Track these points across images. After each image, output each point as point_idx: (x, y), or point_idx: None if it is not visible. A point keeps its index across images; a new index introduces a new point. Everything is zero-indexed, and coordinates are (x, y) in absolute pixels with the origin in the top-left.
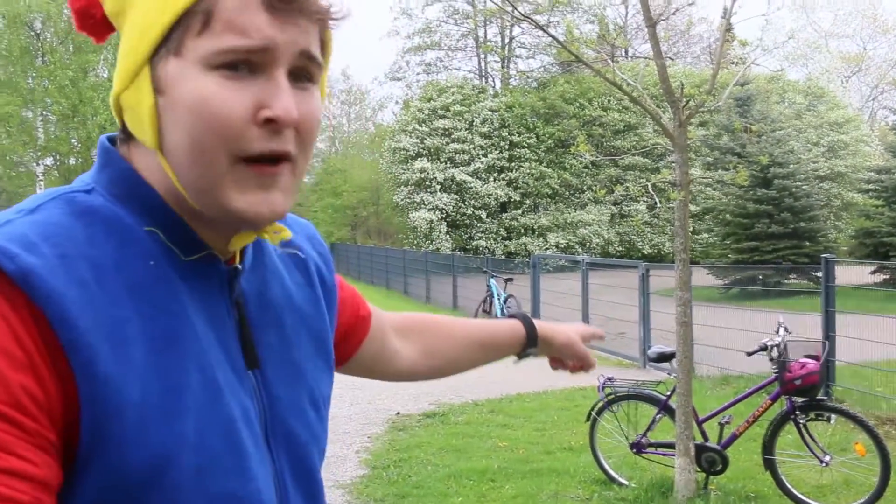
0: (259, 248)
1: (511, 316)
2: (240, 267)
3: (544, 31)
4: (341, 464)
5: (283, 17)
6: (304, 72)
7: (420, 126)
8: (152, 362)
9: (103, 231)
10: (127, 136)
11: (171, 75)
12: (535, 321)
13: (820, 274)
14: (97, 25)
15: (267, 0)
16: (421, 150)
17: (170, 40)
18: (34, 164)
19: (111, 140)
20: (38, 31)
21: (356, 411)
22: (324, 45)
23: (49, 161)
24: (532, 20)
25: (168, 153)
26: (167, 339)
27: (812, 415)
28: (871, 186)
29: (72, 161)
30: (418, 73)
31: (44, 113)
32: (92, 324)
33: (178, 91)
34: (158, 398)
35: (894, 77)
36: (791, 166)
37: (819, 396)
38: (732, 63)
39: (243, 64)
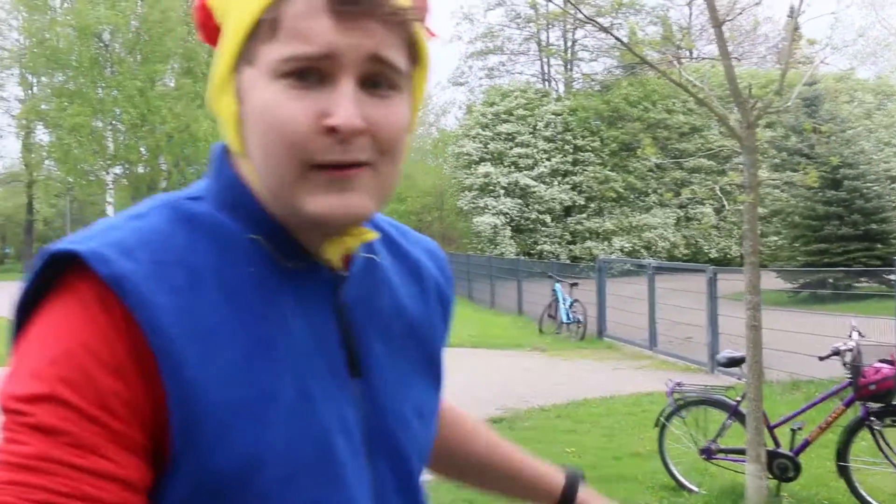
0: (371, 258)
1: (563, 467)
2: (345, 275)
3: (608, 33)
4: None
5: (347, 21)
6: (382, 78)
7: (483, 130)
8: (243, 369)
9: (205, 238)
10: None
11: (247, 84)
12: (581, 486)
13: (893, 276)
14: (215, 36)
15: (330, 4)
16: (484, 155)
17: (247, 49)
18: (104, 173)
19: (225, 149)
20: (107, 43)
21: None
22: (414, 47)
23: (118, 170)
24: (596, 22)
25: (251, 158)
26: (260, 346)
27: (888, 420)
28: None
29: (140, 169)
30: (481, 78)
31: (113, 123)
32: (182, 330)
33: (251, 99)
34: (247, 405)
35: None
36: (861, 167)
37: (895, 402)
38: (800, 63)
39: (311, 71)
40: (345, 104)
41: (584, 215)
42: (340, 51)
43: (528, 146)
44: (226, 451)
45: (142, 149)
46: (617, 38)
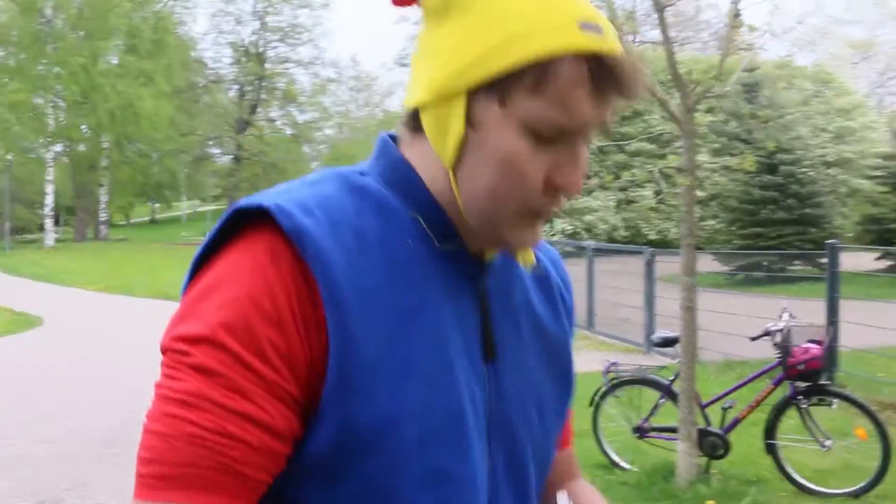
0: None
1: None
2: (489, 264)
3: None
4: None
5: (604, 97)
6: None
7: None
8: (394, 330)
9: (371, 208)
10: (411, 132)
11: (491, 120)
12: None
13: (824, 260)
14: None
15: (596, 79)
16: None
17: (497, 85)
18: (44, 151)
19: (391, 136)
20: (50, 18)
21: None
22: None
23: (59, 147)
24: None
25: (461, 178)
26: (412, 312)
27: (814, 399)
28: (877, 173)
29: (81, 147)
30: None
31: (54, 100)
32: (350, 285)
33: (492, 139)
34: (393, 364)
35: None
36: (798, 152)
37: (822, 381)
38: (741, 49)
39: (560, 132)
40: (578, 171)
41: None
42: (589, 124)
43: None
44: (369, 407)
45: (83, 127)
46: None
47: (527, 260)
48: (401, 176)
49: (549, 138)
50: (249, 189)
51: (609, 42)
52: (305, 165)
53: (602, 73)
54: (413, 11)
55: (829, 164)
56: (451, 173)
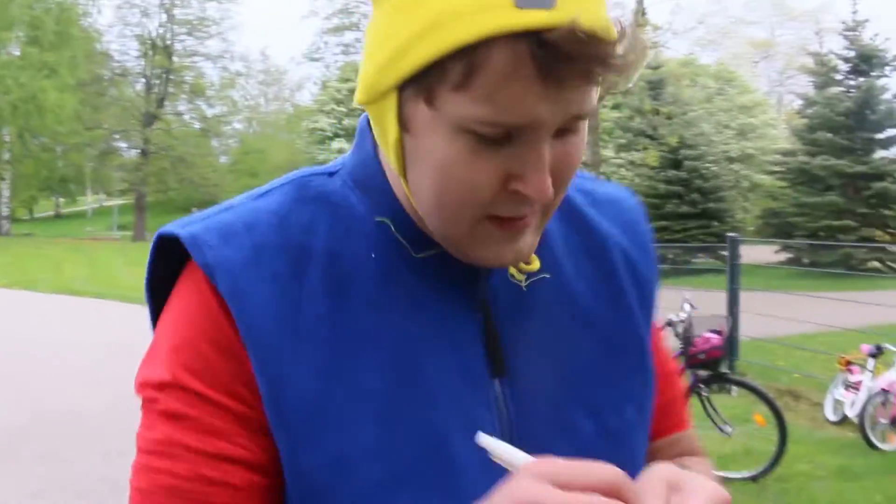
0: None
1: None
2: (517, 277)
3: None
4: None
5: (558, 85)
6: (581, 122)
7: (338, 106)
8: (337, 363)
9: (328, 218)
10: None
11: (420, 122)
12: None
13: (726, 252)
14: None
15: (543, 65)
16: (339, 131)
17: (422, 80)
18: None
19: (368, 121)
20: None
21: None
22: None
23: None
24: None
25: (411, 187)
26: (365, 339)
27: (715, 387)
28: (776, 168)
29: None
30: (336, 54)
31: None
32: (276, 322)
33: (424, 143)
34: (338, 401)
35: (801, 62)
36: (702, 148)
37: (722, 370)
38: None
39: (505, 134)
40: (540, 174)
41: None
42: (544, 120)
43: None
44: (314, 451)
45: None
46: None
47: (525, 269)
48: (367, 176)
49: (496, 139)
50: (157, 183)
51: (560, 14)
52: (214, 160)
53: (549, 53)
54: (322, 6)
55: (731, 160)
56: (402, 181)
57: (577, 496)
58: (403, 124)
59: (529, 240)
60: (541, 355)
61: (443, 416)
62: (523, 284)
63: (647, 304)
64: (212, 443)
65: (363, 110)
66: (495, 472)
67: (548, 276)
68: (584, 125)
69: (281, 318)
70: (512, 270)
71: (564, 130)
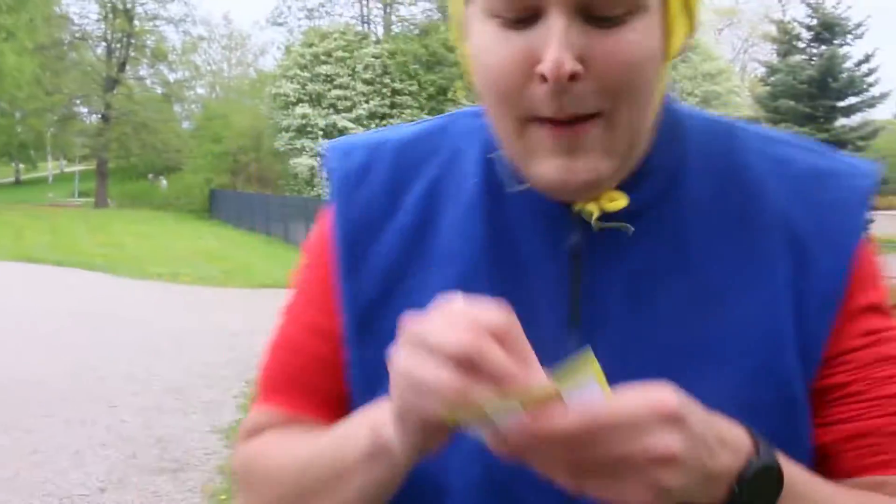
0: (668, 194)
1: None
2: (589, 211)
3: None
4: (218, 408)
5: None
6: (612, 5)
7: (301, 72)
8: (402, 274)
9: (448, 152)
10: None
11: (469, 25)
12: None
13: None
14: None
15: None
16: (302, 96)
17: None
18: None
19: None
20: None
21: (234, 357)
22: None
23: None
24: None
25: (478, 98)
26: (435, 257)
27: None
28: None
29: None
30: (300, 19)
31: None
32: (366, 224)
33: (471, 40)
34: (393, 308)
35: (764, 30)
36: None
37: None
38: None
39: (524, 11)
40: (552, 46)
41: None
42: None
43: (346, 88)
44: (368, 346)
45: None
46: None
47: (612, 206)
48: (481, 111)
49: (519, 21)
50: (119, 149)
51: None
52: (176, 125)
53: None
54: None
55: None
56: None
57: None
58: (466, 35)
59: (588, 164)
60: (624, 320)
61: None
62: (593, 223)
63: (822, 301)
64: (309, 316)
65: (327, 77)
66: None
67: (631, 228)
68: (634, 21)
69: (368, 224)
70: (590, 207)
71: (605, 19)
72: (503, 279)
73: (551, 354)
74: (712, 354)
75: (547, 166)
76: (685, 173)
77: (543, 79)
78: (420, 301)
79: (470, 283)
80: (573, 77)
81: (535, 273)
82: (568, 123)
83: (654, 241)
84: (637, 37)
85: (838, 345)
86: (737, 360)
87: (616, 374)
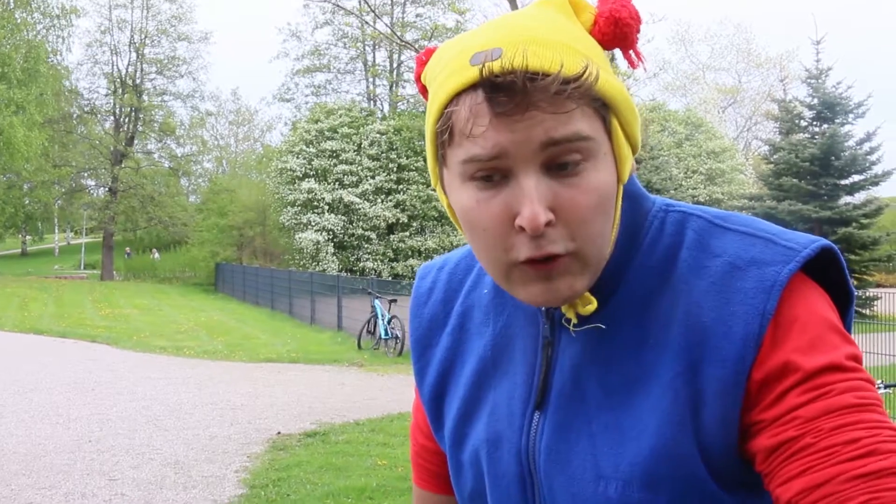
0: (614, 294)
1: None
2: (553, 311)
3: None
4: (219, 483)
5: (508, 116)
6: (568, 155)
7: (307, 147)
8: (450, 370)
9: (475, 265)
10: None
11: (447, 184)
12: None
13: None
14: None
15: (489, 103)
16: (308, 171)
17: (439, 152)
18: None
19: None
20: None
21: (236, 431)
22: (605, 101)
23: None
24: (415, 48)
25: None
26: (467, 355)
27: None
28: (745, 213)
29: None
30: (307, 95)
31: None
32: (425, 334)
33: (453, 200)
34: (447, 398)
35: (767, 109)
36: (671, 192)
37: None
38: None
39: (495, 172)
40: (527, 203)
41: (407, 233)
42: (508, 149)
43: (352, 164)
44: (436, 431)
45: None
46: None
47: (578, 310)
48: None
49: (495, 182)
50: (125, 222)
51: (506, 61)
52: (183, 199)
53: (498, 93)
54: (293, 47)
55: (700, 204)
56: None
57: None
58: (445, 191)
59: (569, 283)
60: (574, 402)
61: (481, 431)
62: (571, 328)
63: (721, 385)
64: (414, 415)
65: (333, 153)
66: (502, 490)
67: (602, 326)
68: (587, 169)
69: (430, 331)
70: (569, 314)
71: (560, 170)
72: (504, 371)
73: (518, 428)
74: (624, 435)
75: (531, 291)
76: (632, 272)
77: (522, 229)
78: (458, 393)
79: (483, 377)
80: (546, 225)
81: (521, 361)
82: (544, 261)
83: (596, 334)
84: (594, 179)
85: (777, 407)
86: (641, 441)
87: (557, 448)
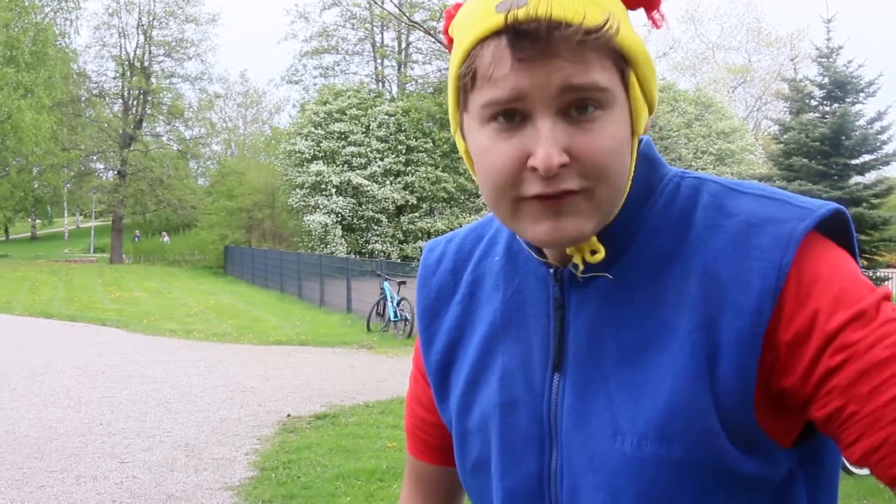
0: (625, 253)
1: None
2: (570, 270)
3: (437, 40)
4: (229, 465)
5: (529, 62)
6: (585, 102)
7: (316, 129)
8: (458, 338)
9: (491, 236)
10: None
11: (466, 128)
12: None
13: None
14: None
15: (512, 48)
16: (317, 153)
17: (461, 98)
18: None
19: None
20: None
21: (246, 413)
22: (624, 54)
23: None
24: (424, 28)
25: (482, 190)
26: (476, 322)
27: None
28: None
29: None
30: (315, 77)
31: None
32: (434, 303)
33: (470, 143)
34: (455, 366)
35: (777, 88)
36: None
37: None
38: None
39: (514, 114)
40: (542, 144)
41: (417, 215)
42: (528, 92)
43: (361, 145)
44: (442, 399)
45: None
46: (444, 44)
47: (584, 257)
48: None
49: (512, 125)
50: (134, 205)
51: (531, 9)
52: (192, 182)
53: (521, 39)
54: (301, 29)
55: None
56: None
57: None
58: (464, 137)
59: (577, 223)
60: (592, 364)
61: (492, 396)
62: (579, 274)
63: (738, 337)
64: (412, 387)
65: (342, 134)
66: (550, 452)
67: (609, 276)
68: (605, 115)
69: (438, 301)
70: (576, 258)
71: (582, 110)
72: (516, 336)
73: (539, 392)
74: (641, 391)
75: (538, 229)
76: (645, 231)
77: (534, 170)
78: (467, 359)
79: (493, 342)
80: (561, 166)
81: (535, 325)
82: (555, 196)
83: (609, 293)
84: (610, 127)
85: (814, 374)
86: (657, 395)
87: (578, 408)
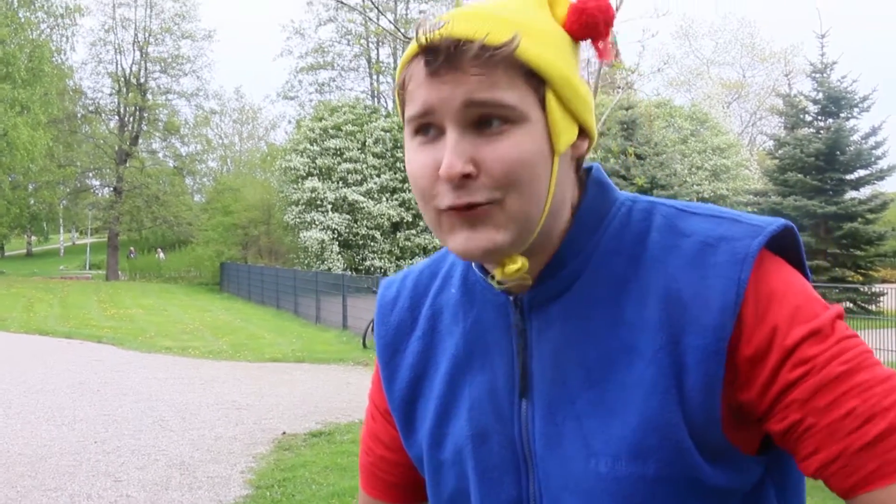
0: (581, 276)
1: None
2: (521, 297)
3: None
4: (225, 484)
5: (438, 77)
6: (489, 118)
7: (311, 145)
8: (422, 373)
9: (447, 268)
10: None
11: (405, 140)
12: None
13: None
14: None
15: (426, 65)
16: (312, 170)
17: (404, 117)
18: None
19: None
20: None
21: (241, 431)
22: (537, 73)
23: None
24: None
25: None
26: (440, 355)
27: None
28: (750, 209)
29: None
30: (311, 93)
31: None
32: (393, 341)
33: (405, 157)
34: (421, 400)
35: (771, 104)
36: (675, 188)
37: None
38: (619, 88)
39: (430, 127)
40: (446, 154)
41: (414, 231)
42: (436, 107)
43: (356, 162)
44: (408, 435)
45: None
46: None
47: (505, 274)
48: None
49: (427, 138)
50: (130, 222)
51: (443, 30)
52: (188, 198)
53: (433, 57)
54: (297, 45)
55: (705, 201)
56: None
57: None
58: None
59: (489, 234)
60: (557, 386)
61: (463, 427)
62: (496, 284)
63: (702, 354)
64: (370, 425)
65: (337, 151)
66: (526, 478)
67: (529, 280)
68: (514, 129)
69: (398, 338)
70: (497, 272)
71: (484, 129)
72: (479, 366)
73: (508, 419)
74: (611, 410)
75: (456, 240)
76: (599, 254)
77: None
78: (433, 393)
79: (457, 374)
80: (467, 176)
81: (497, 353)
82: (467, 208)
83: (570, 316)
84: (518, 140)
85: (773, 387)
86: (628, 413)
87: (548, 433)
